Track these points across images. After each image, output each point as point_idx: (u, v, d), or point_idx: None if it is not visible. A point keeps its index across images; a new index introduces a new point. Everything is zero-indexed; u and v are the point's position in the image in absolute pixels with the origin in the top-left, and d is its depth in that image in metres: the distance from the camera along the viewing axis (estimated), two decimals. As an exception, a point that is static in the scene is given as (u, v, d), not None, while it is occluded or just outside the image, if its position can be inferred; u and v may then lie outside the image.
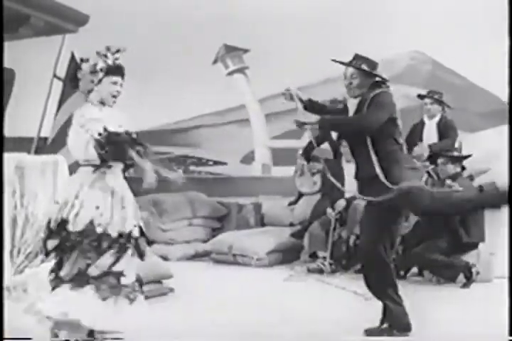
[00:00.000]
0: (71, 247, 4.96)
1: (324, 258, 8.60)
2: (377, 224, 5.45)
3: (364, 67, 5.54)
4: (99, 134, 4.98)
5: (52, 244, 4.99)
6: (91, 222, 4.99)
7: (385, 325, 5.55)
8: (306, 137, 5.68)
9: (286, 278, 8.24)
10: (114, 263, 5.00)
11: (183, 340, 5.13)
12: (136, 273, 5.14)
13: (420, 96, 8.79)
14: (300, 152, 9.28)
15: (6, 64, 6.05)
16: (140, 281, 5.19)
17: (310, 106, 5.74)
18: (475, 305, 6.79)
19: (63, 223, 4.99)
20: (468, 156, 8.26)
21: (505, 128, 7.58)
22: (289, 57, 11.71)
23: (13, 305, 5.02)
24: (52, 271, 4.99)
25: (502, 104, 10.21)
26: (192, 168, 13.26)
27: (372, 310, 5.67)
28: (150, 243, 5.29)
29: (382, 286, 5.53)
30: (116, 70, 5.21)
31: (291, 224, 9.79)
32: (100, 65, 5.17)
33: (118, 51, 5.25)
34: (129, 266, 5.07)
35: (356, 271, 8.06)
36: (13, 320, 4.88)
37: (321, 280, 8.11)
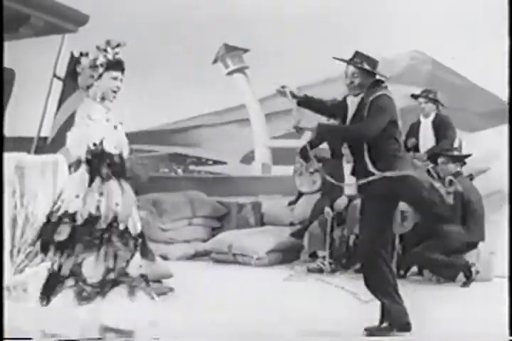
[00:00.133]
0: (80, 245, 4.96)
1: (324, 257, 8.60)
2: (376, 223, 5.45)
3: (365, 65, 5.52)
4: (94, 144, 4.97)
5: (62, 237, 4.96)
6: (115, 218, 5.01)
7: (384, 324, 5.55)
8: (306, 137, 5.65)
9: (286, 278, 8.24)
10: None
11: (183, 340, 5.13)
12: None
13: (414, 96, 8.78)
14: (298, 151, 9.28)
15: (6, 64, 6.05)
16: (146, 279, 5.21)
17: (305, 102, 5.71)
18: (475, 304, 6.79)
19: (94, 219, 4.99)
20: (469, 155, 8.26)
21: (505, 128, 7.58)
22: (289, 57, 11.70)
23: (13, 305, 5.02)
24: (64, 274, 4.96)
25: (502, 104, 10.20)
26: (192, 167, 13.26)
27: (373, 309, 5.67)
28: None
29: (382, 285, 5.53)
30: (116, 65, 5.16)
31: (291, 224, 9.79)
32: (100, 59, 5.12)
33: (118, 45, 5.19)
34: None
35: (356, 271, 8.07)
36: (13, 320, 4.88)
37: (321, 279, 8.11)
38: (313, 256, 8.84)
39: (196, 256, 9.89)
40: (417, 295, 6.59)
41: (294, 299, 6.94)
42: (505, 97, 7.88)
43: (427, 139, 8.61)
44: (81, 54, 5.20)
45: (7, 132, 6.31)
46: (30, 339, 4.78)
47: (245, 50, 12.83)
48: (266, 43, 11.91)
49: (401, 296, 5.55)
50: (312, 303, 6.63)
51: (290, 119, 5.65)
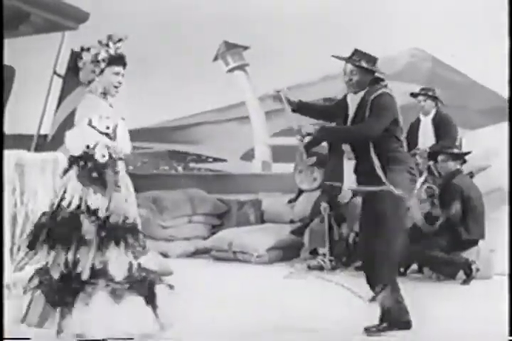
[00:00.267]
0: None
1: (324, 255, 8.60)
2: (375, 221, 5.45)
3: (363, 63, 5.51)
4: (87, 146, 4.96)
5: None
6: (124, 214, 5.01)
7: (385, 323, 5.55)
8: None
9: (286, 275, 8.25)
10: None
11: (183, 337, 5.13)
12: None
13: (413, 95, 8.77)
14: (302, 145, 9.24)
15: (6, 61, 6.04)
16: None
17: (300, 107, 5.71)
18: (475, 301, 6.80)
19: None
20: (468, 153, 8.26)
21: (505, 125, 7.57)
22: (289, 54, 11.70)
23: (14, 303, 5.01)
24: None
25: (502, 101, 10.20)
26: (192, 165, 13.26)
27: (373, 307, 5.67)
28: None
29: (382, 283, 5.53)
30: (118, 60, 5.12)
31: (292, 221, 9.80)
32: (102, 54, 5.07)
33: (120, 40, 5.16)
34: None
35: (356, 268, 8.07)
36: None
37: (321, 277, 8.11)
38: (314, 253, 8.84)
39: (196, 253, 9.91)
40: (417, 293, 6.58)
41: (294, 296, 6.94)
42: (505, 94, 7.88)
43: (426, 137, 8.60)
44: (82, 49, 5.16)
45: (7, 129, 6.31)
46: (29, 339, 4.77)
47: (245, 48, 12.82)
48: (266, 43, 11.91)
49: (401, 294, 5.55)
50: (312, 301, 6.63)
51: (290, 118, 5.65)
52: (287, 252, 9.33)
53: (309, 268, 8.56)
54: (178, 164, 13.21)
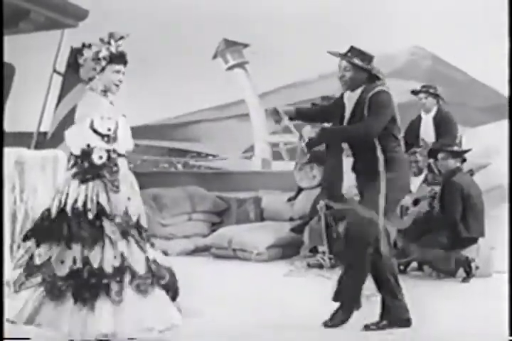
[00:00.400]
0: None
1: (324, 253, 8.60)
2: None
3: (356, 60, 5.48)
4: (88, 145, 4.95)
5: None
6: (126, 212, 5.00)
7: (384, 320, 5.55)
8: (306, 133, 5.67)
9: (286, 273, 8.25)
10: None
11: (182, 335, 5.13)
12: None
13: (414, 92, 8.76)
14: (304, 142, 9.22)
15: (6, 59, 6.06)
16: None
17: (298, 114, 5.72)
18: (474, 299, 6.80)
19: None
20: (468, 151, 8.25)
21: (506, 122, 7.57)
22: (289, 52, 11.69)
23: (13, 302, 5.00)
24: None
25: (502, 99, 10.20)
26: (192, 162, 13.25)
27: (373, 305, 5.67)
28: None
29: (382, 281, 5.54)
30: (119, 58, 5.09)
31: (291, 219, 9.79)
32: (103, 52, 5.05)
33: (121, 38, 5.14)
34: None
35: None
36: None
37: (321, 275, 8.11)
38: (313, 251, 8.84)
39: (196, 251, 9.90)
40: (417, 291, 6.58)
41: (293, 294, 6.94)
42: (506, 92, 7.88)
43: (427, 135, 8.60)
44: (84, 45, 5.13)
45: (7, 127, 6.33)
46: (29, 339, 4.77)
47: (245, 45, 12.81)
48: (266, 42, 11.90)
49: (402, 292, 5.56)
50: (312, 299, 6.62)
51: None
52: (287, 250, 9.33)
53: (309, 266, 8.55)
54: (178, 161, 13.21)
